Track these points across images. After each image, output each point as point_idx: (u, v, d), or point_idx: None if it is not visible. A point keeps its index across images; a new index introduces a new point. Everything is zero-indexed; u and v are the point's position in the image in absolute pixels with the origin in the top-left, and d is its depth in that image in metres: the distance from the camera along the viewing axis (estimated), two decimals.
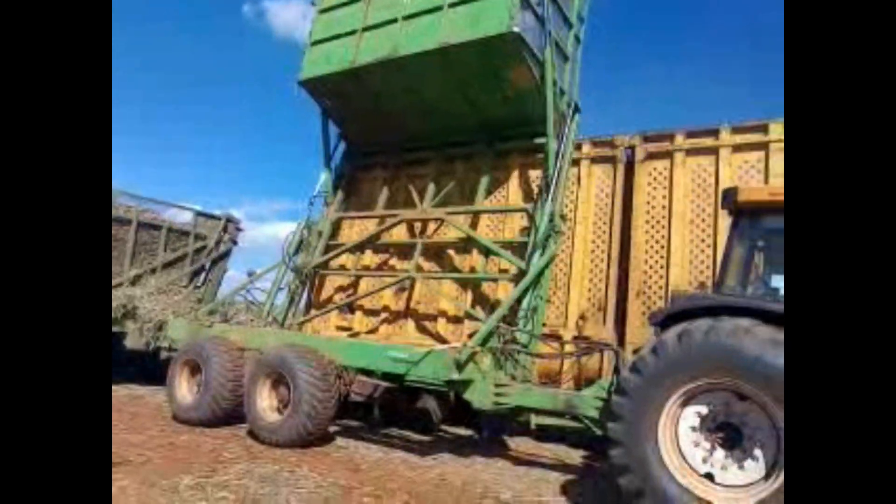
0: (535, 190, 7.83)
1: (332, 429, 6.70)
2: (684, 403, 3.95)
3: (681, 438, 3.91)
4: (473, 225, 8.26)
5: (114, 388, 9.76)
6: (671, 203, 7.15)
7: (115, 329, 9.11)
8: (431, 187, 8.65)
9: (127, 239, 10.14)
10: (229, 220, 11.66)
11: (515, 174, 8.29)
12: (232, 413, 6.78)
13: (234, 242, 11.85)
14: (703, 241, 6.80)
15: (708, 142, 7.17)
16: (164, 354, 8.57)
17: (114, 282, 9.76)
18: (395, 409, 7.70)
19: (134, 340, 8.71)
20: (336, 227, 9.55)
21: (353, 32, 8.31)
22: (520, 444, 7.15)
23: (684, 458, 3.89)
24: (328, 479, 4.96)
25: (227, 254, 11.67)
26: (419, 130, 8.90)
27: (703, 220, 6.88)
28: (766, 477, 3.64)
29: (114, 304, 9.15)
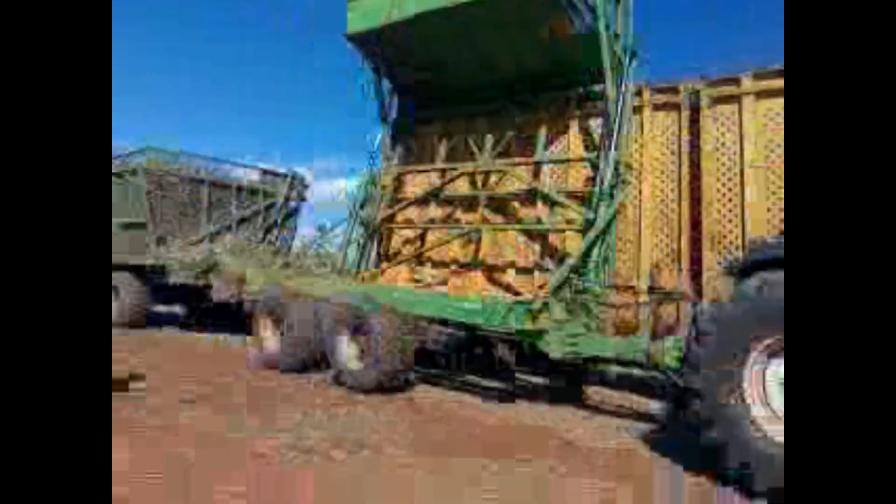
0: (597, 139, 7.75)
1: (411, 376, 7.05)
2: (771, 355, 3.91)
3: (768, 390, 3.91)
4: (535, 176, 8.24)
5: (201, 337, 10.52)
6: (742, 149, 6.90)
7: (200, 282, 9.81)
8: (490, 139, 8.62)
9: (202, 198, 10.70)
10: (294, 177, 12.02)
11: (575, 123, 8.16)
12: (313, 360, 7.29)
13: (303, 199, 12.26)
14: (780, 187, 6.61)
15: (778, 84, 6.80)
16: (247, 306, 9.11)
17: (194, 238, 10.45)
18: (470, 358, 8.01)
19: (219, 293, 9.33)
20: (398, 182, 9.68)
21: None
22: (594, 393, 7.18)
23: (773, 410, 3.86)
24: (392, 418, 5.49)
25: (296, 210, 12.12)
26: (473, 80, 8.79)
27: (780, 167, 6.66)
28: None
29: (197, 258, 9.83)
